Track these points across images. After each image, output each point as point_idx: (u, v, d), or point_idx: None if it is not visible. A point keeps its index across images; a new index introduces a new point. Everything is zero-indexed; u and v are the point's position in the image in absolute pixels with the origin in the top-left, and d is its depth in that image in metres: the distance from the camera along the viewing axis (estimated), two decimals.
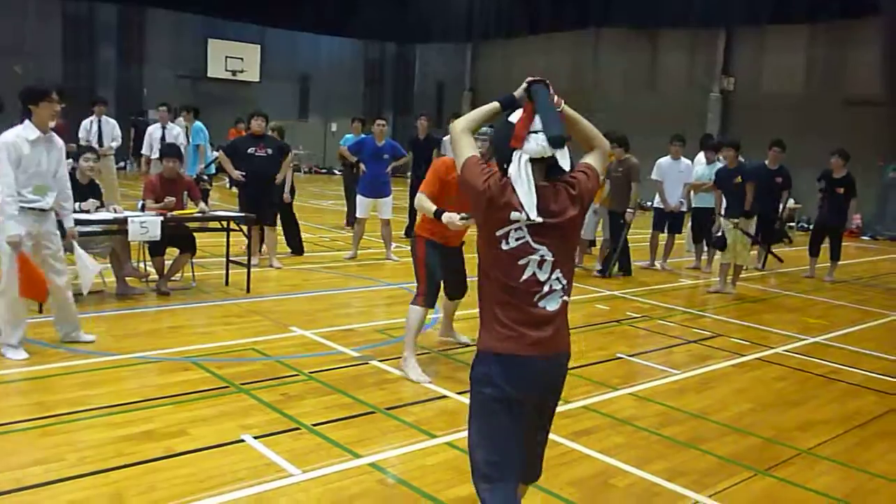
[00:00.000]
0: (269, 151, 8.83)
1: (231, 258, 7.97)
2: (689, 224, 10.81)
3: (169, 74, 23.22)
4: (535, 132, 2.58)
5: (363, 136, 10.32)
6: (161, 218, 6.88)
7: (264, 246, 9.02)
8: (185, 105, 11.67)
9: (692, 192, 10.44)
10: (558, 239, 2.60)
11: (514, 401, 2.61)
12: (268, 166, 8.81)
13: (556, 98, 2.65)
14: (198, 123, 11.94)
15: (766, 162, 10.52)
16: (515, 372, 2.59)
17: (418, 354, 5.55)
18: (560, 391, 2.79)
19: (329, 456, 3.99)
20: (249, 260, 7.79)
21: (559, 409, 4.62)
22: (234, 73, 24.46)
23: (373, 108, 28.32)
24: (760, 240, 10.23)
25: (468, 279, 5.78)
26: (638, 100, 21.14)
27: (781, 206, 10.80)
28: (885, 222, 16.90)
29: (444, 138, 11.92)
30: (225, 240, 7.89)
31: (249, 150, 8.74)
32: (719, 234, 8.84)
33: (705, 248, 10.71)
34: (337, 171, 18.47)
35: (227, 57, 24.28)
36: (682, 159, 10.40)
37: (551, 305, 2.62)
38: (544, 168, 2.59)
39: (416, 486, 3.73)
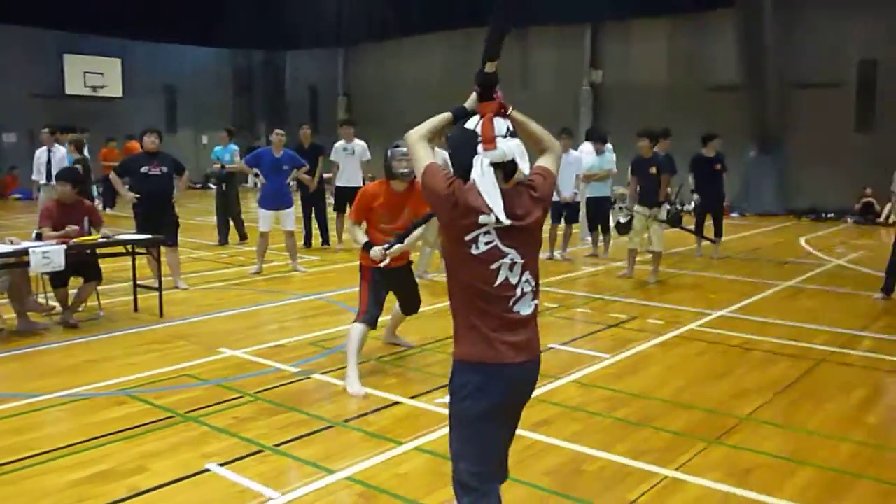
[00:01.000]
0: (164, 169, 8.48)
1: (137, 283, 7.61)
2: (584, 213, 11.20)
3: (22, 94, 21.77)
4: (500, 136, 2.62)
5: (260, 148, 10.10)
6: (64, 246, 6.49)
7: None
8: (64, 126, 11.02)
9: (584, 183, 10.82)
10: (525, 241, 2.63)
11: (496, 408, 2.64)
12: (164, 185, 8.46)
13: (506, 108, 2.69)
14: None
15: (704, 151, 11.08)
16: (496, 380, 2.61)
17: (362, 363, 5.53)
18: (534, 387, 2.82)
19: (302, 475, 3.91)
20: (160, 283, 7.46)
21: None
22: (94, 88, 23.22)
23: (244, 117, 27.71)
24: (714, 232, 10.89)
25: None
26: (511, 97, 21.14)
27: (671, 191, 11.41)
28: (750, 199, 18.13)
29: (337, 144, 11.80)
30: (131, 264, 7.52)
31: (143, 169, 8.36)
32: (624, 220, 9.18)
33: (601, 236, 11.14)
34: (212, 186, 17.95)
35: (85, 73, 23.02)
36: (571, 151, 10.76)
37: (524, 309, 2.64)
38: (503, 174, 2.62)
39: (399, 494, 3.72)
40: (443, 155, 7.12)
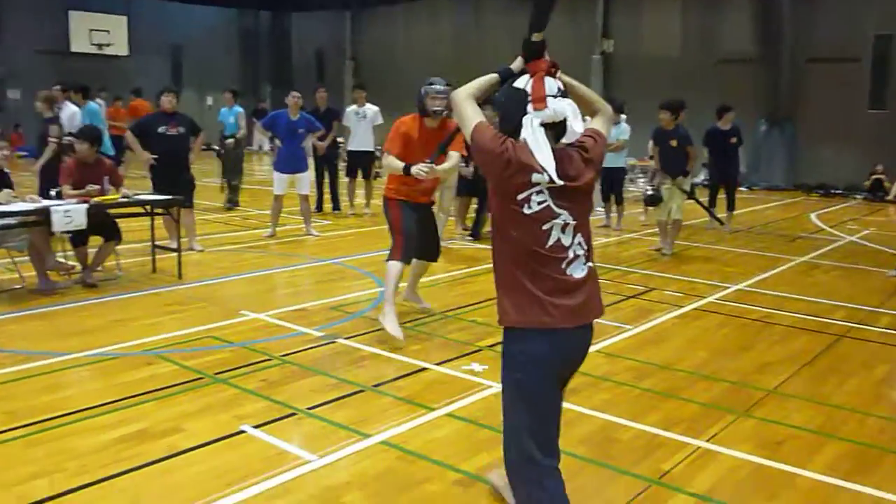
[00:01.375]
0: (182, 130, 8.43)
1: (156, 244, 7.60)
2: (599, 184, 11.15)
3: (27, 50, 21.56)
4: (547, 96, 2.57)
5: (277, 110, 10.00)
6: (86, 205, 6.46)
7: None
8: (70, 84, 10.90)
9: None
10: (578, 202, 2.60)
11: (553, 375, 2.63)
12: (181, 145, 8.42)
13: (557, 68, 2.67)
14: (92, 104, 11.20)
15: (719, 124, 10.99)
16: (552, 346, 2.58)
17: (379, 329, 5.58)
18: (584, 357, 2.79)
19: (338, 438, 3.93)
20: (179, 245, 7.44)
21: None
22: (100, 46, 23.01)
23: (249, 79, 27.51)
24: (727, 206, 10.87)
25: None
26: None
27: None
28: (760, 173, 18.06)
29: (349, 109, 11.72)
30: (149, 225, 7.50)
31: (160, 130, 8.31)
32: (651, 191, 9.10)
33: (614, 206, 11.11)
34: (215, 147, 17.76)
35: (91, 30, 22.78)
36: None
37: (577, 272, 2.60)
38: (553, 135, 2.57)
39: (435, 459, 3.75)
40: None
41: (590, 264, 2.65)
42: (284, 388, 4.62)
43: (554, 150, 2.53)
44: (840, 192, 17.00)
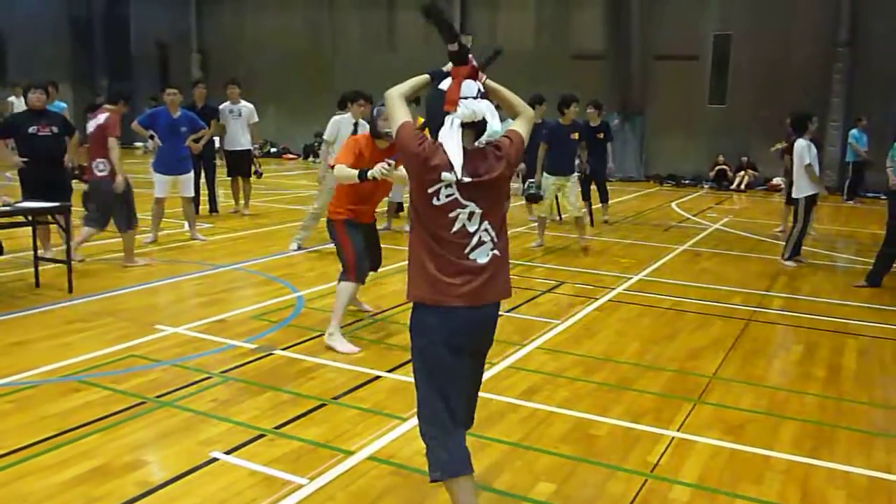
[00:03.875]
0: (55, 129, 7.71)
1: (39, 256, 6.89)
2: None
3: None
4: (465, 98, 2.78)
5: (155, 108, 9.32)
6: None
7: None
8: None
9: None
10: (486, 195, 2.80)
11: (451, 347, 2.82)
12: (54, 147, 7.69)
13: (479, 73, 2.87)
14: None
15: (561, 120, 11.23)
16: (447, 320, 2.80)
17: (317, 336, 5.49)
18: (491, 339, 2.99)
19: (322, 458, 3.73)
20: (69, 255, 6.78)
21: (492, 372, 4.83)
22: None
23: (83, 71, 25.59)
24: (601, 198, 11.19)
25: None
26: (378, 60, 21.32)
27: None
28: (616, 165, 18.93)
29: (222, 106, 11.18)
30: (31, 234, 6.79)
31: (31, 130, 7.55)
32: (533, 189, 9.25)
33: None
34: None
35: None
36: None
37: (481, 258, 2.82)
38: (473, 133, 2.79)
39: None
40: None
41: (496, 252, 2.85)
42: (240, 408, 4.32)
43: (468, 150, 2.75)
44: (688, 181, 18.20)
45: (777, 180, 16.23)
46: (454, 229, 2.78)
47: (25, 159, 7.48)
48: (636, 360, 5.35)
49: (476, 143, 2.80)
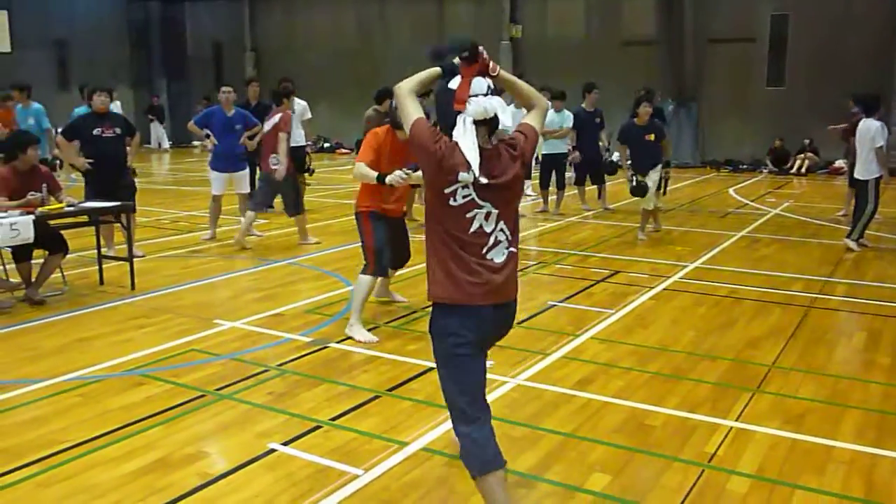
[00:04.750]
0: (118, 131, 7.93)
1: (103, 254, 7.11)
2: (538, 170, 11.19)
3: None
4: (476, 96, 2.75)
5: (209, 107, 9.49)
6: (32, 217, 5.97)
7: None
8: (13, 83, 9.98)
9: (542, 139, 10.83)
10: (502, 195, 2.79)
11: (474, 344, 2.84)
12: (118, 148, 7.92)
13: (491, 64, 2.83)
14: (37, 105, 10.34)
15: (584, 105, 11.18)
16: (470, 320, 2.81)
17: (369, 329, 5.57)
18: (510, 328, 3.02)
19: (377, 449, 3.78)
20: (131, 254, 6.97)
21: (546, 363, 4.80)
22: None
23: (142, 73, 26.25)
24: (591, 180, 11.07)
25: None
26: None
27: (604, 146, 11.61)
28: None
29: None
30: (95, 233, 7.02)
31: (95, 132, 7.77)
32: (636, 182, 9.00)
33: (555, 193, 11.21)
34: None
35: None
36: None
37: (498, 257, 2.82)
38: (487, 130, 2.77)
39: None
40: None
41: (511, 249, 2.86)
42: (297, 400, 4.40)
43: (483, 149, 2.72)
44: (746, 166, 17.79)
45: (839, 163, 15.72)
46: (472, 230, 2.77)
47: (91, 160, 7.71)
48: (692, 350, 5.27)
49: (491, 142, 2.79)
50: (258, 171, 10.99)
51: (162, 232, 9.94)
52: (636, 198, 9.37)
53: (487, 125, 2.76)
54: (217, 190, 9.20)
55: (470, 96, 2.74)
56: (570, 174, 11.83)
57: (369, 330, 5.56)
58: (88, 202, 6.98)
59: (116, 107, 15.31)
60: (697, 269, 7.67)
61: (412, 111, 2.82)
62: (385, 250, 5.57)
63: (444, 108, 2.80)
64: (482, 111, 2.72)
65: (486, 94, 2.76)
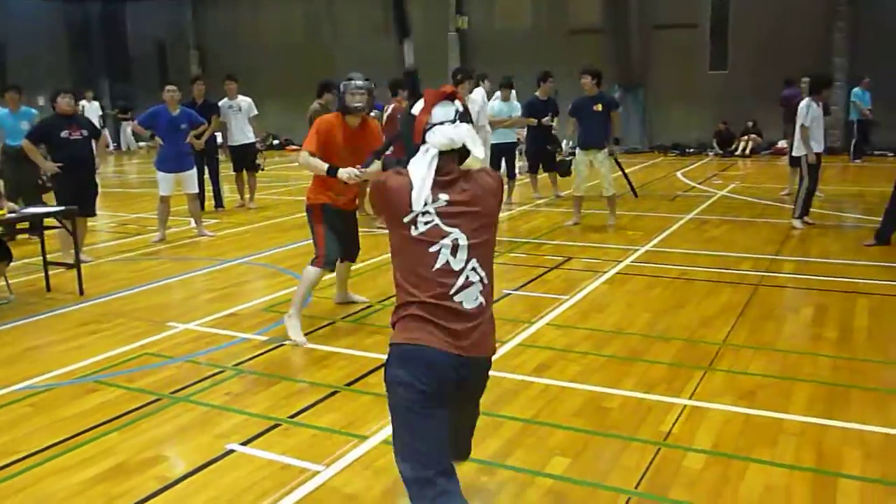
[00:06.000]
0: (84, 133, 7.78)
1: (49, 261, 6.94)
2: (487, 161, 11.25)
3: None
4: (441, 123, 2.44)
5: (155, 107, 9.28)
6: None
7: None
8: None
9: (490, 129, 10.84)
10: (471, 222, 2.42)
11: (431, 400, 2.36)
12: (86, 150, 7.78)
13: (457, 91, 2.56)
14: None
15: (538, 94, 11.26)
16: (425, 368, 2.36)
17: (325, 325, 5.52)
18: (480, 393, 2.62)
19: (336, 444, 3.77)
20: (78, 259, 6.82)
21: (503, 350, 4.84)
22: None
23: (83, 76, 25.61)
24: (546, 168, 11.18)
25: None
26: (377, 45, 21.24)
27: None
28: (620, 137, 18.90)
29: (221, 102, 11.18)
30: (39, 240, 6.84)
31: (63, 134, 7.60)
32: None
33: (506, 182, 11.26)
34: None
35: None
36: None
37: (469, 302, 2.41)
38: (456, 158, 2.47)
39: None
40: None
41: (482, 301, 2.44)
42: (255, 399, 4.36)
43: (446, 168, 2.42)
44: (693, 150, 18.10)
45: (781, 143, 16.11)
46: (436, 266, 2.38)
47: (60, 164, 7.53)
48: (646, 332, 5.36)
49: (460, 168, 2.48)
50: (206, 170, 10.90)
51: (110, 235, 9.74)
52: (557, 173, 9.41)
53: (455, 154, 2.46)
54: (165, 190, 9.05)
55: (434, 125, 2.43)
56: (521, 163, 11.91)
57: (329, 325, 5.54)
58: (29, 208, 6.79)
59: (95, 108, 15.03)
60: (649, 253, 7.79)
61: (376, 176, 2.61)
62: (336, 244, 5.42)
63: (408, 140, 2.49)
64: (447, 142, 2.41)
65: (453, 122, 2.44)
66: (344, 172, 4.88)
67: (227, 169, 11.53)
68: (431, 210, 2.37)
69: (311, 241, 5.54)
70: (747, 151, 17.04)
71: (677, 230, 8.94)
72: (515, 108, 10.89)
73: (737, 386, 4.37)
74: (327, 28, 22.53)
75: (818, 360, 4.74)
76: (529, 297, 6.29)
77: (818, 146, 8.73)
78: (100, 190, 8.23)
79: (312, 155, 5.13)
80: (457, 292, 2.39)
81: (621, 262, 7.41)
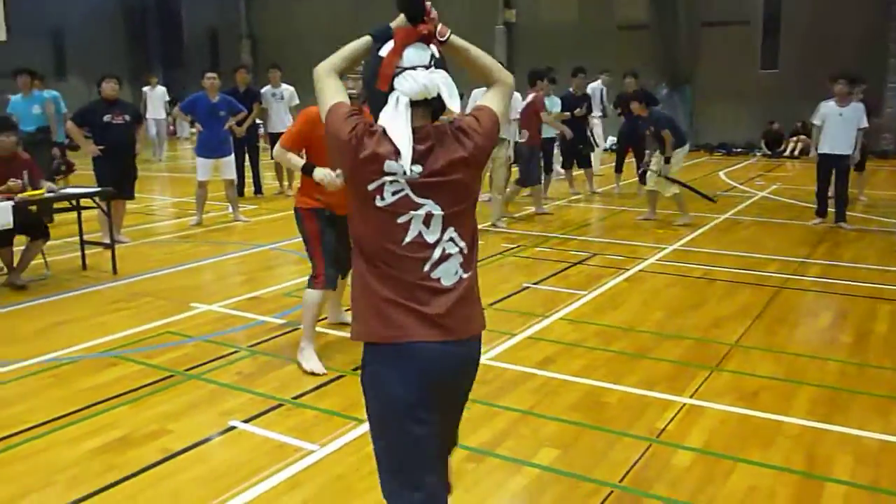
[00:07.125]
0: (127, 118, 8.07)
1: (86, 240, 7.21)
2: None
3: None
4: (413, 68, 2.10)
5: (196, 93, 9.54)
6: (11, 203, 6.06)
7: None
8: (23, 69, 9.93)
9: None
10: (447, 191, 2.11)
11: (410, 402, 2.10)
12: (127, 135, 8.06)
13: (440, 27, 2.17)
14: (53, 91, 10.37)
15: (571, 90, 11.26)
16: (408, 365, 2.09)
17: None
18: (472, 381, 2.28)
19: (334, 426, 3.87)
20: (112, 239, 7.08)
21: (510, 343, 4.85)
22: None
23: (139, 63, 26.24)
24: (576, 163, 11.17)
25: None
26: None
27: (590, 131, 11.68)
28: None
29: (264, 90, 11.40)
30: (77, 219, 7.10)
31: (105, 118, 7.89)
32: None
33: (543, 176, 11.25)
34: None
35: None
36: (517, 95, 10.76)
37: (447, 279, 2.12)
38: (429, 112, 2.14)
39: None
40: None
41: (463, 275, 2.15)
42: (263, 380, 4.50)
43: (423, 133, 2.08)
44: (740, 150, 17.80)
45: None
46: (407, 239, 2.08)
47: (102, 147, 7.82)
48: (657, 330, 5.34)
49: (433, 124, 2.14)
50: (246, 157, 11.13)
51: (150, 218, 10.04)
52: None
53: (429, 105, 2.12)
54: (202, 176, 9.28)
55: (405, 69, 2.09)
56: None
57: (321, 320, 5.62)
58: (68, 188, 7.06)
59: (160, 94, 15.51)
60: (676, 252, 7.73)
61: (329, 94, 2.18)
62: (333, 257, 4.66)
63: (370, 85, 2.15)
64: (420, 89, 2.07)
65: (427, 67, 2.11)
66: (320, 172, 4.33)
67: (268, 156, 11.75)
68: (401, 180, 2.06)
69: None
70: (796, 153, 16.67)
71: (707, 230, 8.85)
72: (556, 102, 10.85)
73: (740, 387, 4.35)
74: (374, 18, 22.61)
75: (827, 365, 4.69)
76: (547, 292, 6.32)
77: (828, 147, 8.64)
78: (138, 174, 8.46)
79: (288, 150, 4.54)
80: (433, 267, 2.10)
81: (646, 259, 7.38)
